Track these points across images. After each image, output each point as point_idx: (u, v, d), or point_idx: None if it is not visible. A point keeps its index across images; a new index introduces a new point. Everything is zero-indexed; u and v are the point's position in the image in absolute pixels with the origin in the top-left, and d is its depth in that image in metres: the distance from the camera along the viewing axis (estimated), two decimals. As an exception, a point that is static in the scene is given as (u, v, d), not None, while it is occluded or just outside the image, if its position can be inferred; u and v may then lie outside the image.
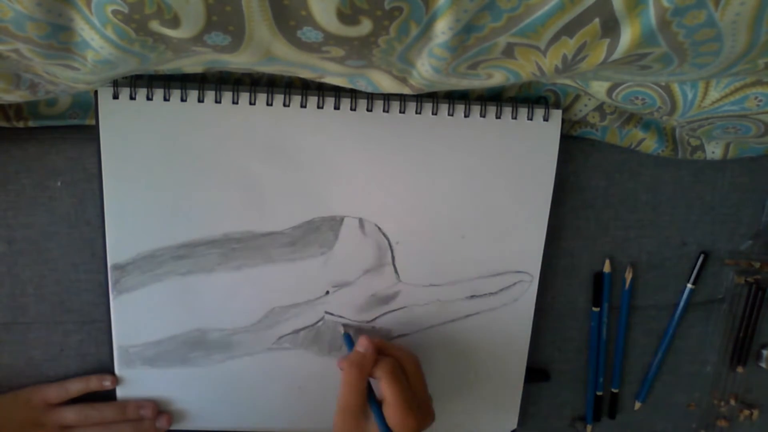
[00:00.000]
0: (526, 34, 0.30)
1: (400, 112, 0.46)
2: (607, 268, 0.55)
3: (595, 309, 0.56)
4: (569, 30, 0.29)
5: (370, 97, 0.46)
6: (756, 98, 0.38)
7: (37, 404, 0.49)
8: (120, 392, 0.50)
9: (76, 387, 0.49)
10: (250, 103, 0.45)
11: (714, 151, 0.52)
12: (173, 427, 0.52)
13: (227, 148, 0.46)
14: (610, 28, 0.29)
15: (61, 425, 0.49)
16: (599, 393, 0.58)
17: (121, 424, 0.49)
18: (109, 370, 0.50)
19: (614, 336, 0.57)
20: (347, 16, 0.29)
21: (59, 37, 0.30)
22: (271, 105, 0.45)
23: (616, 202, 0.54)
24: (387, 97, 0.46)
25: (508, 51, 0.31)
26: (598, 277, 0.55)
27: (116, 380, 0.50)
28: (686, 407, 0.61)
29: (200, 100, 0.44)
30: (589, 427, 0.60)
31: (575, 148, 0.51)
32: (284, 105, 0.45)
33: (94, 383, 0.50)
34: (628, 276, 0.55)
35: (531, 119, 0.48)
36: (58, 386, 0.49)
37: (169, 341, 0.49)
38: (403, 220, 0.49)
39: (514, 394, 0.55)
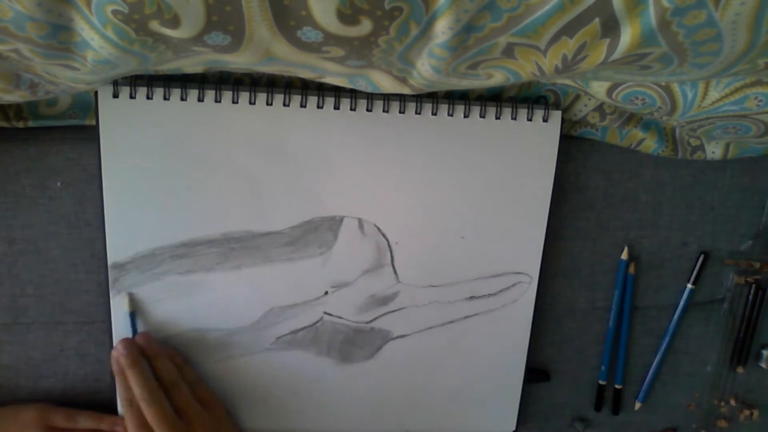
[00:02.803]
0: (526, 34, 0.30)
1: (400, 112, 0.46)
2: (624, 255, 0.54)
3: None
4: (569, 30, 0.29)
5: (370, 97, 0.46)
6: (756, 98, 0.38)
7: (40, 424, 0.48)
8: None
9: (85, 422, 0.49)
10: (250, 103, 0.45)
11: (714, 151, 0.52)
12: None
13: (227, 148, 0.46)
14: (610, 28, 0.29)
15: None
16: (602, 382, 0.58)
17: None
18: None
19: (616, 336, 0.57)
20: (347, 16, 0.29)
21: (59, 37, 0.30)
22: (271, 105, 0.45)
23: (616, 202, 0.53)
24: (387, 98, 0.46)
25: (508, 51, 0.31)
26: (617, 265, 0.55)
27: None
28: (686, 407, 0.61)
29: (200, 100, 0.44)
30: None
31: (575, 148, 0.51)
32: (284, 105, 0.45)
33: (106, 425, 0.49)
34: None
35: (530, 120, 0.47)
36: (68, 415, 0.49)
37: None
38: (403, 221, 0.49)
39: (513, 396, 0.55)
